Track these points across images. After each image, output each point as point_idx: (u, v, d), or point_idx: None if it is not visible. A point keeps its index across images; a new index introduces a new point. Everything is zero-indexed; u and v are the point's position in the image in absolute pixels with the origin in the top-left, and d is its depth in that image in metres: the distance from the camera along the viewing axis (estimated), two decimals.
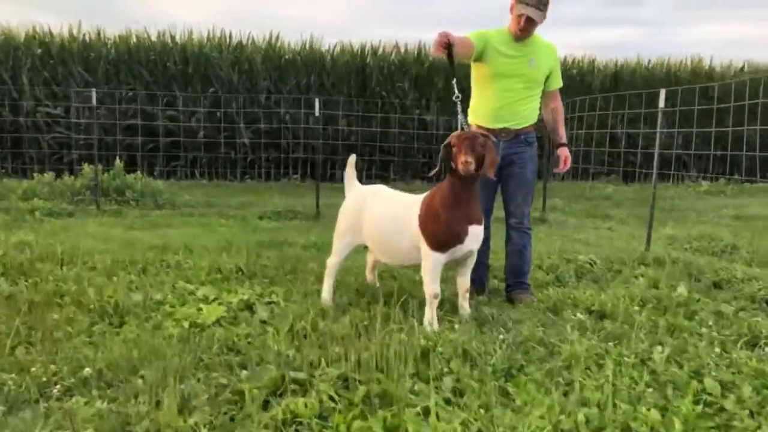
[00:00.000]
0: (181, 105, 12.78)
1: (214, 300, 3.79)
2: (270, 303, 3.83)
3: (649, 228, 5.94)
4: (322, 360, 2.77)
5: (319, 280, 4.45)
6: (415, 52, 14.34)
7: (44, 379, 2.64)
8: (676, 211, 9.39)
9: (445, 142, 3.42)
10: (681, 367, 2.69)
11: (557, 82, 4.12)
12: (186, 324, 3.34)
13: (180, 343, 3.07)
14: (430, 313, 3.48)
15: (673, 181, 14.45)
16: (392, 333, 3.04)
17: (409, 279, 4.54)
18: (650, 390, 2.47)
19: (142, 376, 2.69)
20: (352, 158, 4.06)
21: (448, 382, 2.53)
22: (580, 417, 2.21)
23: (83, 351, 2.95)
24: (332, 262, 3.99)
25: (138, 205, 8.28)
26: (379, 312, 3.48)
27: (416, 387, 2.49)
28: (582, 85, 14.88)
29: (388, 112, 13.60)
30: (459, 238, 3.44)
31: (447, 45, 3.54)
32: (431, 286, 3.48)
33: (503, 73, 3.94)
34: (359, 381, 2.54)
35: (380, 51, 14.39)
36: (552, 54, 4.07)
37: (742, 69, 16.25)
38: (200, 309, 3.59)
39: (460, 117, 3.64)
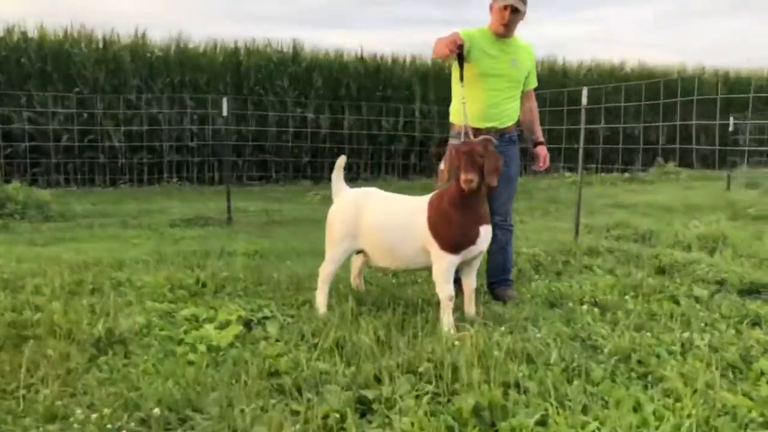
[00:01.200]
0: (41, 106, 11.63)
1: (206, 320, 3.50)
2: (266, 318, 3.61)
3: (576, 219, 6.29)
4: (384, 373, 2.67)
5: (297, 289, 4.27)
6: (291, 51, 14.13)
7: (93, 427, 2.30)
8: (558, 203, 10.00)
9: (451, 152, 3.39)
10: (726, 351, 2.88)
11: (533, 82, 4.24)
12: (202, 347, 3.06)
13: (214, 369, 2.81)
14: (448, 317, 3.45)
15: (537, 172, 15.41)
16: (441, 340, 2.99)
17: (387, 282, 4.47)
18: (722, 377, 2.63)
19: (200, 411, 2.43)
20: (342, 160, 3.92)
21: (533, 386, 2.51)
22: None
23: (109, 389, 2.60)
24: (328, 270, 3.82)
25: (24, 218, 7.41)
26: (394, 321, 3.42)
27: (511, 394, 2.45)
28: None
29: (267, 109, 13.30)
30: (471, 239, 3.44)
31: (460, 45, 3.54)
32: (446, 289, 3.46)
33: (489, 73, 3.99)
34: (453, 393, 2.47)
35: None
36: (530, 54, 4.18)
37: (589, 69, 17.64)
38: (197, 329, 3.31)
39: (466, 121, 3.65)
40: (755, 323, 3.42)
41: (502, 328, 3.24)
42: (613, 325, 3.36)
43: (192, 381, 2.64)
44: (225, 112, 7.61)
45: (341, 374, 2.74)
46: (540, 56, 17.56)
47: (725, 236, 5.75)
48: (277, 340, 3.23)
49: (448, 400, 2.47)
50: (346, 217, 3.74)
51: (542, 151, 4.27)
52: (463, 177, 3.28)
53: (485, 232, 3.49)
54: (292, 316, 3.68)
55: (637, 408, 2.35)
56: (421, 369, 2.71)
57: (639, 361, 2.82)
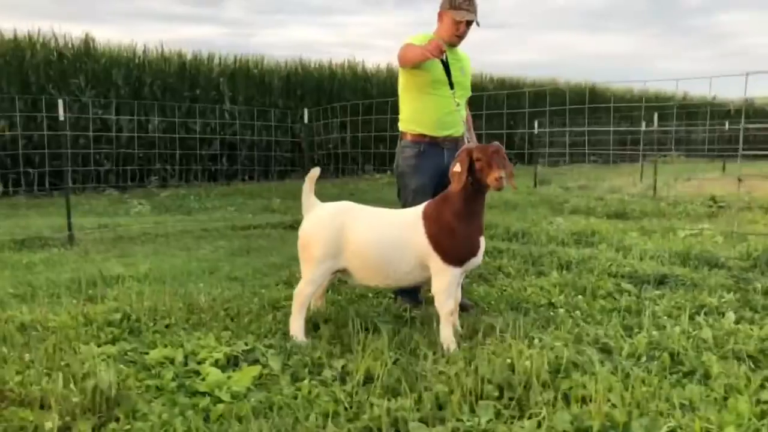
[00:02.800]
0: None
1: (193, 361, 2.99)
2: (248, 352, 3.17)
3: None
4: (454, 399, 2.51)
5: (239, 315, 3.83)
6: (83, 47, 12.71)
7: None
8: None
9: (464, 154, 3.29)
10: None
11: (470, 91, 4.27)
12: (225, 396, 2.60)
13: (264, 422, 2.41)
14: (448, 331, 3.33)
15: (344, 174, 15.66)
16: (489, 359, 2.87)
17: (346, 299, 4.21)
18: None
19: None
20: (315, 171, 3.59)
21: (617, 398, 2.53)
22: None
23: None
24: (306, 292, 3.49)
25: None
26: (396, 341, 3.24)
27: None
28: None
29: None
30: (474, 250, 3.37)
31: (444, 51, 3.47)
32: (447, 304, 3.34)
33: (443, 81, 3.94)
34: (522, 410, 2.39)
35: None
36: (469, 62, 4.22)
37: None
38: (194, 374, 2.82)
39: (464, 131, 3.56)
40: (707, 313, 3.79)
41: (524, 343, 3.18)
42: (604, 326, 3.52)
43: None
44: (61, 116, 6.57)
45: (412, 409, 2.51)
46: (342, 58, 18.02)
47: (594, 231, 6.32)
48: (296, 378, 2.86)
49: (529, 417, 2.40)
50: (327, 235, 3.44)
51: None
52: (495, 174, 3.16)
53: (483, 242, 3.43)
54: (270, 346, 3.30)
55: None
56: (486, 391, 2.60)
57: (680, 361, 2.98)
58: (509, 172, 3.31)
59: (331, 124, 11.73)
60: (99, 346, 3.23)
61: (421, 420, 2.43)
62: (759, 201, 9.04)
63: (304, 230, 3.52)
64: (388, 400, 2.58)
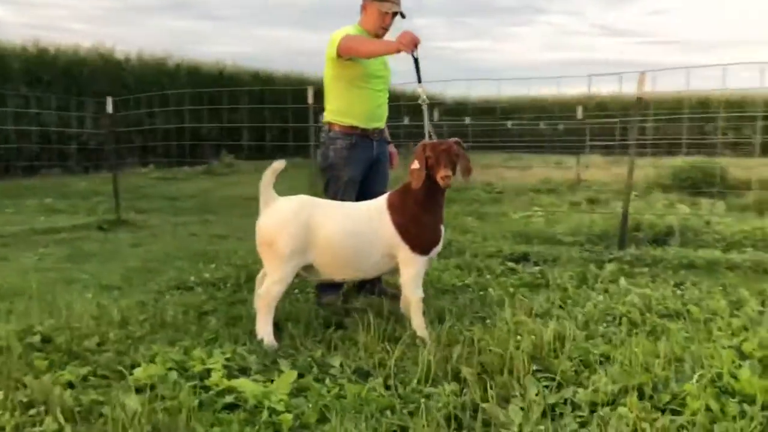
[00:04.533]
0: None
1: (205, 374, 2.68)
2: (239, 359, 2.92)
3: None
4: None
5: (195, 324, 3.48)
6: None
7: None
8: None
9: (420, 150, 3.36)
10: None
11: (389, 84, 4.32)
12: (280, 405, 2.39)
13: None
14: (420, 319, 3.39)
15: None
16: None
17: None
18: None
19: None
20: (280, 164, 3.37)
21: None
22: None
23: None
24: (275, 292, 3.28)
25: None
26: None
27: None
28: None
29: None
30: (437, 238, 3.48)
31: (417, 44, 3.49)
32: (417, 292, 3.40)
33: (373, 74, 3.96)
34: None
35: None
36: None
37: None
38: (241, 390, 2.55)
39: (426, 123, 3.59)
40: (602, 281, 4.37)
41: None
42: (538, 300, 3.87)
43: None
44: None
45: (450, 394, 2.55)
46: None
47: None
48: (319, 380, 2.72)
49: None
50: (294, 230, 3.27)
51: (393, 150, 4.40)
52: (442, 173, 3.27)
53: (443, 230, 3.56)
54: (254, 352, 3.04)
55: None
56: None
57: (635, 323, 3.42)
58: (465, 167, 3.48)
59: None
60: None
61: (483, 400, 2.50)
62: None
63: (267, 226, 3.31)
64: (435, 387, 2.62)
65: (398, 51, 3.59)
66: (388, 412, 2.43)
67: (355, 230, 3.36)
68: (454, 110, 21.32)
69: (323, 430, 2.29)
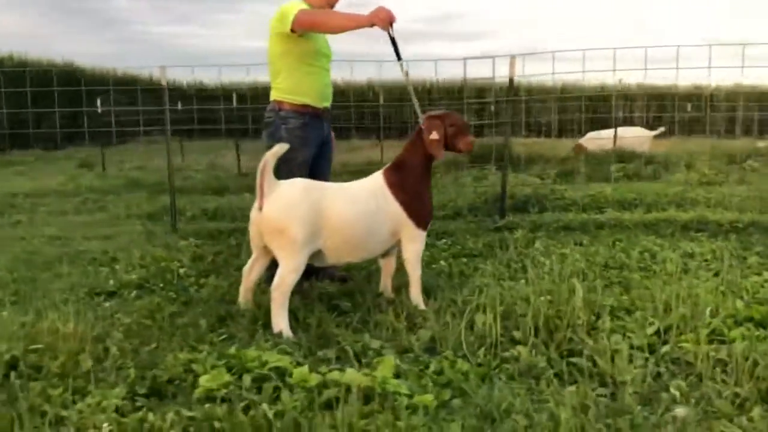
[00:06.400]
0: None
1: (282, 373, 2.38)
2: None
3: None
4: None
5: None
6: None
7: None
8: None
9: (438, 122, 3.34)
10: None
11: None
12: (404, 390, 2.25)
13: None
14: (418, 291, 3.39)
15: None
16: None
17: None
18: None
19: None
20: (281, 148, 3.07)
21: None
22: None
23: None
24: (291, 280, 3.02)
25: None
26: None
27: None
28: None
29: None
30: (432, 213, 3.52)
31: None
32: (418, 267, 3.42)
33: (321, 51, 3.78)
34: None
35: None
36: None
37: None
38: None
39: (414, 101, 3.50)
40: (527, 245, 4.69)
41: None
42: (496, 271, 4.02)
43: None
44: None
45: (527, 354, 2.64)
46: None
47: None
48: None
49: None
50: (307, 216, 3.04)
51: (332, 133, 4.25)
52: (470, 139, 3.42)
53: None
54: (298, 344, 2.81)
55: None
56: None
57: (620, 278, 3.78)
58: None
59: None
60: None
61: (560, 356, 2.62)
62: None
63: (274, 212, 3.02)
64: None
65: (371, 25, 3.41)
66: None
67: (365, 210, 3.25)
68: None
69: (475, 403, 2.21)
